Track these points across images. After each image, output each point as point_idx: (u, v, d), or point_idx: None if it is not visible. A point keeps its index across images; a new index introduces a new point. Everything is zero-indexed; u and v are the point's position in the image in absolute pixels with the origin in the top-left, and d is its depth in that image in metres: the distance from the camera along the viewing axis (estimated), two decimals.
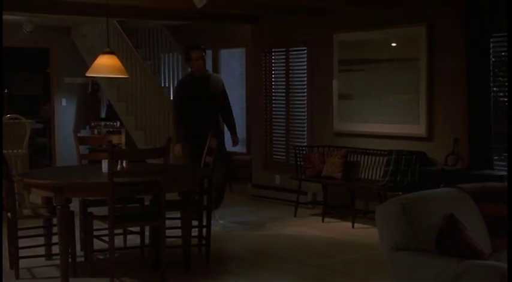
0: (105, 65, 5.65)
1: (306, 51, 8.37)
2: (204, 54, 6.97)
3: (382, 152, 7.25)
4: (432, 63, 6.94)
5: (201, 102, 6.94)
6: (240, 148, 9.92)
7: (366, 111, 7.61)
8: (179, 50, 10.10)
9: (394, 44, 7.36)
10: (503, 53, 6.65)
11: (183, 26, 10.40)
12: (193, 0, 5.98)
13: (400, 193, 6.36)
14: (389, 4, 7.17)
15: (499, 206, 3.69)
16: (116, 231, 4.98)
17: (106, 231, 4.96)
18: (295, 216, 7.58)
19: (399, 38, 7.29)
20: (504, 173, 6.37)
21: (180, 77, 9.80)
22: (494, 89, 6.60)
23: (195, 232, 5.65)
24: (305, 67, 8.39)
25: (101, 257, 5.62)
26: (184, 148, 6.90)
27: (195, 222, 5.61)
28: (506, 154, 6.65)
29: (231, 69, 10.38)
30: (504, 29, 6.38)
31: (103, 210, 5.06)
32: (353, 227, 7.02)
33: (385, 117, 7.40)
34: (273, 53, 8.83)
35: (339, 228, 7.04)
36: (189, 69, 7.43)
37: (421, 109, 7.01)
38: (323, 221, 7.36)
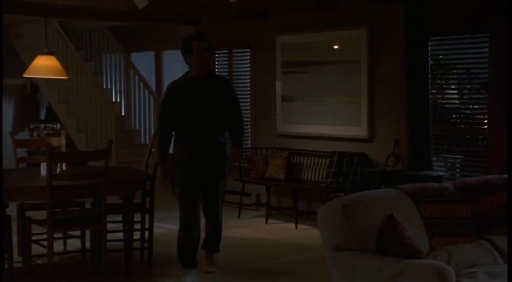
0: (44, 66, 5.54)
1: (249, 53, 8.38)
2: (209, 47, 5.09)
3: (325, 154, 7.31)
4: (373, 66, 7.05)
5: (200, 114, 5.02)
6: None
7: (308, 113, 7.67)
8: (121, 51, 9.96)
9: (336, 47, 7.44)
10: (441, 56, 6.81)
11: (124, 27, 10.26)
12: (135, 0, 5.91)
13: (342, 194, 6.43)
14: (331, 7, 7.25)
15: (436, 206, 3.77)
16: (56, 235, 4.89)
17: (45, 236, 4.85)
18: (238, 218, 7.58)
19: (341, 40, 7.38)
20: (442, 173, 6.53)
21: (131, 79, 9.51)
22: (433, 91, 6.75)
23: (137, 235, 5.58)
24: (248, 69, 8.40)
25: (40, 262, 5.49)
26: (176, 172, 5.16)
27: (137, 225, 5.54)
28: (444, 155, 6.81)
29: (174, 71, 10.30)
30: (441, 33, 6.53)
31: (42, 214, 4.95)
32: (296, 228, 7.06)
33: (328, 119, 7.47)
34: (216, 55, 8.81)
35: (282, 230, 7.07)
36: (187, 71, 5.29)
37: (363, 111, 7.11)
38: (266, 222, 7.38)
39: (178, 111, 5.03)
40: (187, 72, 5.16)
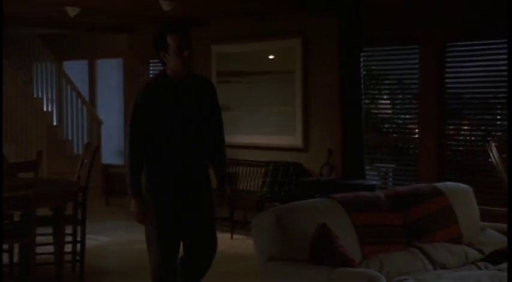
0: None
1: None
2: (191, 41, 3.85)
3: (260, 163, 7.33)
4: (307, 76, 7.11)
5: (183, 127, 3.83)
6: (118, 159, 9.72)
7: (244, 122, 7.67)
8: (52, 59, 9.75)
9: (270, 57, 7.48)
10: (373, 67, 6.94)
11: (57, 35, 10.05)
12: (66, 8, 5.80)
13: (277, 204, 6.45)
14: (265, 17, 7.28)
15: (368, 214, 3.81)
16: None
17: None
18: None
19: (275, 50, 7.42)
20: (375, 182, 6.63)
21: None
22: (366, 101, 6.86)
23: (69, 248, 5.44)
24: None
25: None
26: (148, 204, 3.84)
27: (69, 238, 5.41)
28: (377, 164, 6.93)
29: (108, 80, 10.16)
30: (374, 44, 6.65)
31: None
32: (232, 238, 7.03)
33: (263, 129, 7.49)
34: (150, 64, 8.72)
35: (218, 240, 7.01)
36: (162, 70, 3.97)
37: (297, 121, 7.16)
38: None
39: (154, 125, 3.78)
40: (162, 72, 3.89)
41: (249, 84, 7.62)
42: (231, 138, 7.77)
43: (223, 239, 7.04)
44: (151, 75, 8.78)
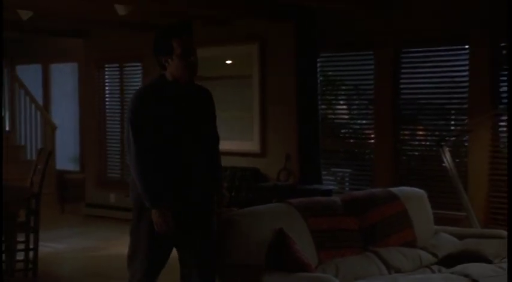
0: None
1: (141, 68, 8.26)
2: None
3: None
4: (265, 81, 7.12)
5: (189, 134, 3.48)
6: (73, 166, 9.57)
7: None
8: (5, 64, 9.54)
9: (228, 62, 7.47)
10: (330, 73, 6.98)
11: (9, 39, 9.85)
12: (19, 11, 5.69)
13: (235, 209, 6.42)
14: (222, 22, 7.27)
15: (324, 219, 3.82)
16: None
17: None
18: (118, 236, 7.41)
19: (233, 56, 7.41)
20: (332, 187, 6.66)
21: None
22: (323, 106, 6.90)
23: (21, 256, 5.32)
24: (140, 83, 8.27)
25: None
26: (142, 213, 3.46)
27: (21, 246, 5.29)
28: (334, 169, 6.97)
29: (63, 85, 10.00)
30: (330, 50, 6.70)
31: None
32: None
33: (221, 134, 7.43)
34: (106, 69, 8.63)
35: None
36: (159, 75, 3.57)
37: (255, 126, 7.16)
38: None
39: (156, 132, 3.36)
40: (160, 76, 3.49)
41: None
42: None
43: None
44: (107, 81, 8.68)
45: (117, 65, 8.51)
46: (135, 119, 3.35)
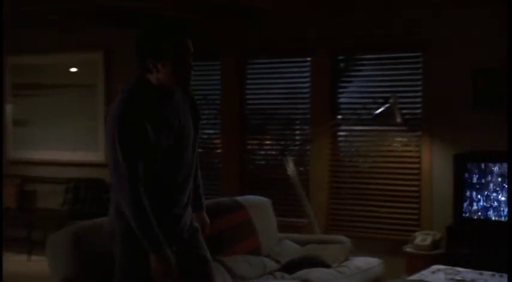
0: None
1: None
2: None
3: (61, 180, 7.04)
4: (110, 90, 6.97)
5: (183, 154, 2.90)
6: None
7: (44, 138, 7.34)
8: None
9: (73, 70, 7.24)
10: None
11: None
12: None
13: (80, 222, 6.22)
14: (69, 28, 7.01)
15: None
16: None
17: None
18: None
19: (77, 63, 7.21)
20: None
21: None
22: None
23: None
24: None
25: None
26: (131, 244, 2.82)
27: None
28: None
29: None
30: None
31: None
32: (30, 259, 6.66)
33: (66, 144, 7.22)
34: None
35: (13, 262, 6.61)
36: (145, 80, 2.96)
37: (100, 136, 6.98)
38: None
39: (152, 151, 2.74)
40: (144, 82, 2.89)
41: (51, 98, 7.31)
42: (29, 154, 7.43)
43: (20, 261, 6.66)
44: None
45: None
46: (127, 142, 2.68)
